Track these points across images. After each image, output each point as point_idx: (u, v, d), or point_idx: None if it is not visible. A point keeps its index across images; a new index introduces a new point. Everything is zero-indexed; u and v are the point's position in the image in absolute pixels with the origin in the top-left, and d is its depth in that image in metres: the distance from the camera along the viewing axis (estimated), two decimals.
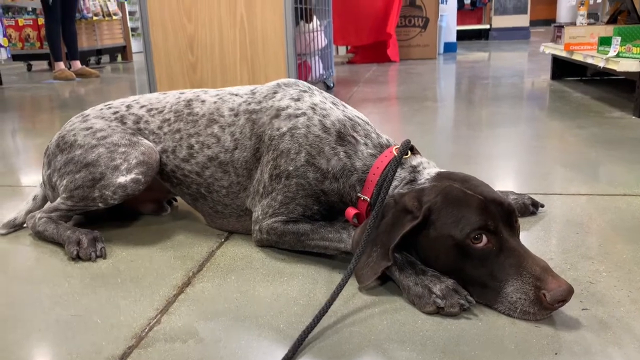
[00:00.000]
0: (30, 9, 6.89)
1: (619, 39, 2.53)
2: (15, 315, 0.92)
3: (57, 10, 5.27)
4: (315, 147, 1.05)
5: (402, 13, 5.84)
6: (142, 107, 1.27)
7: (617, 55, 2.54)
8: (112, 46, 7.43)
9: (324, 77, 3.59)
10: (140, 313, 0.91)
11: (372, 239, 0.91)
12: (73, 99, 3.97)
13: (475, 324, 0.84)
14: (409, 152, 1.02)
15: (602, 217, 1.25)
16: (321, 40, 3.38)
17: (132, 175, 1.16)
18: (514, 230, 0.89)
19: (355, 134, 1.06)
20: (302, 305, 0.92)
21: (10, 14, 6.76)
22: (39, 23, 6.46)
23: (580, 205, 1.34)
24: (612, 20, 3.64)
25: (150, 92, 2.73)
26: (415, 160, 1.01)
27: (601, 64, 2.62)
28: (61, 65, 5.40)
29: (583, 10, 3.78)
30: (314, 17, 3.24)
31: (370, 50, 5.84)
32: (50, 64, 6.36)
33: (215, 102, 1.21)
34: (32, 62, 6.79)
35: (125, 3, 8.20)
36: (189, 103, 1.24)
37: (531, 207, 1.28)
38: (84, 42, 6.60)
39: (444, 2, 6.43)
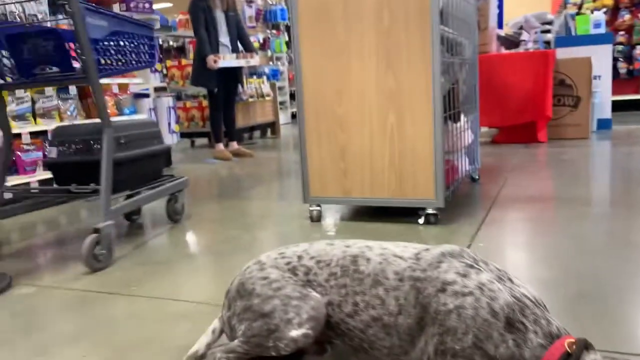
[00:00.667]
0: (198, 94, 7.76)
1: None
2: None
3: (220, 98, 5.90)
4: (483, 331, 1.06)
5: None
6: (311, 258, 1.38)
7: None
8: (263, 122, 8.07)
9: (470, 172, 3.57)
10: None
11: None
12: (232, 181, 4.35)
13: None
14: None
15: None
16: (468, 137, 3.39)
17: (303, 330, 1.26)
18: None
19: (524, 320, 1.05)
20: None
21: (180, 99, 7.66)
22: (203, 105, 7.26)
23: None
24: None
25: (304, 196, 2.92)
26: (589, 357, 0.98)
27: None
28: (220, 146, 5.98)
29: None
30: (462, 116, 3.28)
31: (516, 130, 5.69)
32: (210, 142, 7.06)
33: (380, 263, 1.28)
34: (195, 139, 7.62)
35: (276, 81, 8.91)
36: (354, 259, 1.32)
37: None
38: (240, 121, 7.24)
39: (597, 79, 6.11)
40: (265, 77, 8.41)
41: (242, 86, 6.66)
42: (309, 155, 2.87)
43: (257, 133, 8.40)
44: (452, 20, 3.00)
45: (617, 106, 7.65)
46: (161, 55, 7.41)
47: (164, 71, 7.22)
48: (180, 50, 8.48)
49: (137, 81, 5.30)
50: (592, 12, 7.20)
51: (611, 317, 1.58)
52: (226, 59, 5.73)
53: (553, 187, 3.54)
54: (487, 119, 5.70)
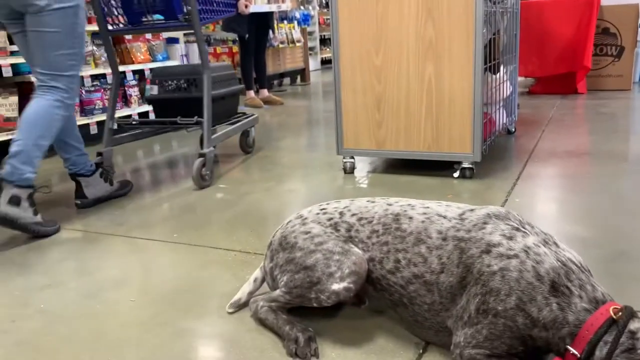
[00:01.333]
0: (226, 39, 7.67)
1: None
2: None
3: (251, 43, 5.83)
4: (527, 293, 1.07)
5: (593, 41, 5.42)
6: (353, 215, 1.40)
7: None
8: (293, 69, 7.98)
9: (506, 124, 3.50)
10: None
11: None
12: (264, 130, 4.35)
13: None
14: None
15: None
16: (506, 89, 3.31)
17: (345, 284, 1.29)
18: None
19: (569, 284, 1.06)
20: None
21: (210, 44, 7.59)
22: (233, 51, 7.18)
23: None
24: None
25: (338, 147, 2.91)
26: (634, 325, 0.98)
27: None
28: (251, 93, 5.96)
29: None
30: (501, 67, 3.19)
31: (554, 80, 5.52)
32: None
33: (423, 222, 1.29)
34: None
35: (306, 26, 8.74)
36: (396, 218, 1.33)
37: None
38: (270, 67, 7.17)
39: None
40: (295, 22, 8.25)
41: (273, 32, 6.56)
42: (344, 105, 2.84)
43: (286, 80, 8.32)
44: None
45: None
46: None
47: None
48: None
49: None
50: None
51: None
52: (257, 4, 5.63)
53: (591, 141, 3.46)
54: (524, 68, 5.51)
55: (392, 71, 2.71)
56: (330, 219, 1.42)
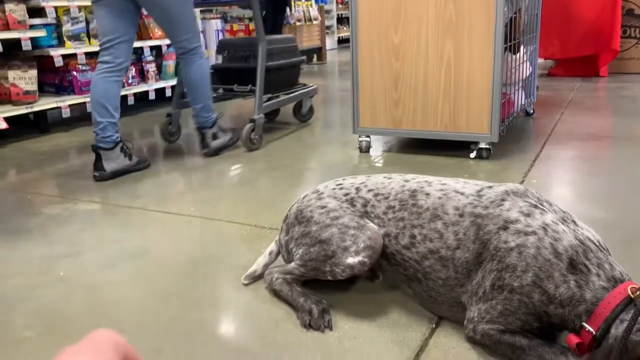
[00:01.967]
0: (243, 16, 7.62)
1: None
2: None
3: (269, 21, 5.78)
4: (544, 270, 1.07)
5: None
6: (369, 190, 1.40)
7: None
8: (310, 47, 7.92)
9: (525, 106, 3.46)
10: None
11: None
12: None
13: None
14: None
15: None
16: (526, 70, 3.26)
17: (360, 258, 1.30)
18: None
19: (587, 262, 1.05)
20: None
21: (227, 21, 7.54)
22: (250, 29, 7.14)
23: None
24: None
25: (354, 126, 2.90)
26: None
27: None
28: None
29: None
30: (521, 47, 3.14)
31: (574, 63, 5.42)
32: None
33: (440, 198, 1.28)
34: None
35: (323, 4, 8.65)
36: (413, 194, 1.33)
37: None
38: None
39: None
40: (313, 0, 8.17)
41: (290, 9, 6.50)
42: (361, 84, 2.82)
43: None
44: None
45: None
46: None
47: None
48: None
49: None
50: None
51: None
52: None
53: (611, 124, 3.41)
54: (544, 50, 5.41)
55: (410, 49, 2.68)
56: (347, 194, 1.42)
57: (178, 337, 1.30)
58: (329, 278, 1.35)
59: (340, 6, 10.41)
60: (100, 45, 2.61)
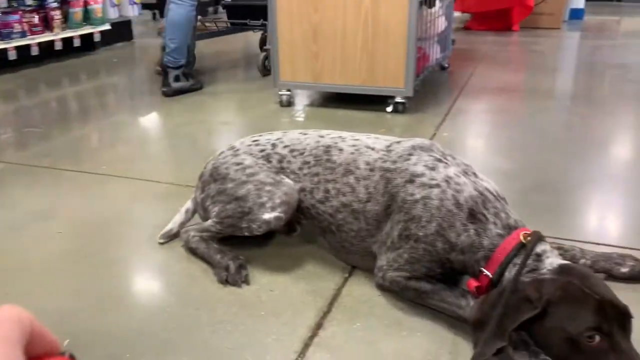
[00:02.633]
0: None
1: None
2: (182, 342, 1.12)
3: None
4: (447, 220, 1.14)
5: None
6: (285, 146, 1.41)
7: None
8: None
9: (440, 60, 3.55)
10: (284, 355, 1.08)
11: (492, 321, 1.00)
12: (198, 60, 4.18)
13: None
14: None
15: None
16: (441, 24, 3.33)
17: (276, 214, 1.32)
18: (627, 332, 0.94)
19: (485, 212, 1.13)
20: None
21: None
22: None
23: None
24: None
25: (274, 80, 2.87)
26: (540, 248, 1.07)
27: None
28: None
29: None
30: (437, 1, 3.19)
31: (489, 16, 5.59)
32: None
33: (352, 153, 1.31)
34: (157, 12, 7.20)
35: None
36: (327, 149, 1.35)
37: None
38: None
39: None
40: None
41: None
42: (280, 36, 2.78)
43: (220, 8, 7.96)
44: None
45: None
46: None
47: None
48: None
49: None
50: None
51: (562, 208, 1.70)
52: None
53: (520, 78, 3.58)
54: (461, 3, 5.55)
55: (329, 0, 2.65)
56: (263, 150, 1.42)
57: (91, 299, 1.27)
58: (246, 234, 1.37)
59: None
60: None
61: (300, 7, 2.70)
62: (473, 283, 1.12)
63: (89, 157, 2.22)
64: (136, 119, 2.77)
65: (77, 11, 4.46)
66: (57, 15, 4.29)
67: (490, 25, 5.62)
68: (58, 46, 4.30)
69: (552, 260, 1.05)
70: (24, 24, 3.97)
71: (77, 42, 4.43)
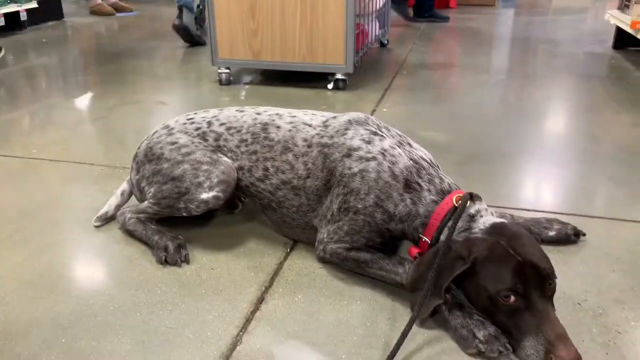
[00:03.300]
0: None
1: None
2: (121, 323, 1.11)
3: None
4: (384, 192, 1.16)
5: None
6: (222, 124, 1.39)
7: None
8: None
9: (379, 36, 3.58)
10: (225, 330, 1.08)
11: (427, 280, 1.03)
12: (127, 39, 4.04)
13: None
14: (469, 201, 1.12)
15: None
16: (379, 1, 3.35)
17: (214, 193, 1.31)
18: (545, 292, 0.99)
19: (420, 181, 1.16)
20: (361, 335, 1.07)
21: None
22: None
23: (623, 234, 1.42)
24: None
25: (213, 57, 2.81)
26: (474, 208, 1.11)
27: None
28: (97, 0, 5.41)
29: None
30: None
31: None
32: None
33: (290, 131, 1.31)
34: None
35: None
36: (265, 127, 1.35)
37: (573, 237, 1.37)
38: None
39: None
40: None
41: None
42: (217, 11, 2.72)
43: None
44: None
45: None
46: None
47: None
48: None
49: None
50: None
51: (496, 178, 1.77)
52: None
53: (457, 54, 3.66)
54: None
55: None
56: (198, 128, 1.40)
57: (23, 284, 1.23)
58: (184, 214, 1.35)
59: None
60: None
61: None
62: (414, 250, 1.16)
63: (19, 141, 2.11)
64: (69, 101, 2.66)
65: None
66: None
67: None
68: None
69: (486, 219, 1.09)
70: None
71: (1, 21, 4.18)
